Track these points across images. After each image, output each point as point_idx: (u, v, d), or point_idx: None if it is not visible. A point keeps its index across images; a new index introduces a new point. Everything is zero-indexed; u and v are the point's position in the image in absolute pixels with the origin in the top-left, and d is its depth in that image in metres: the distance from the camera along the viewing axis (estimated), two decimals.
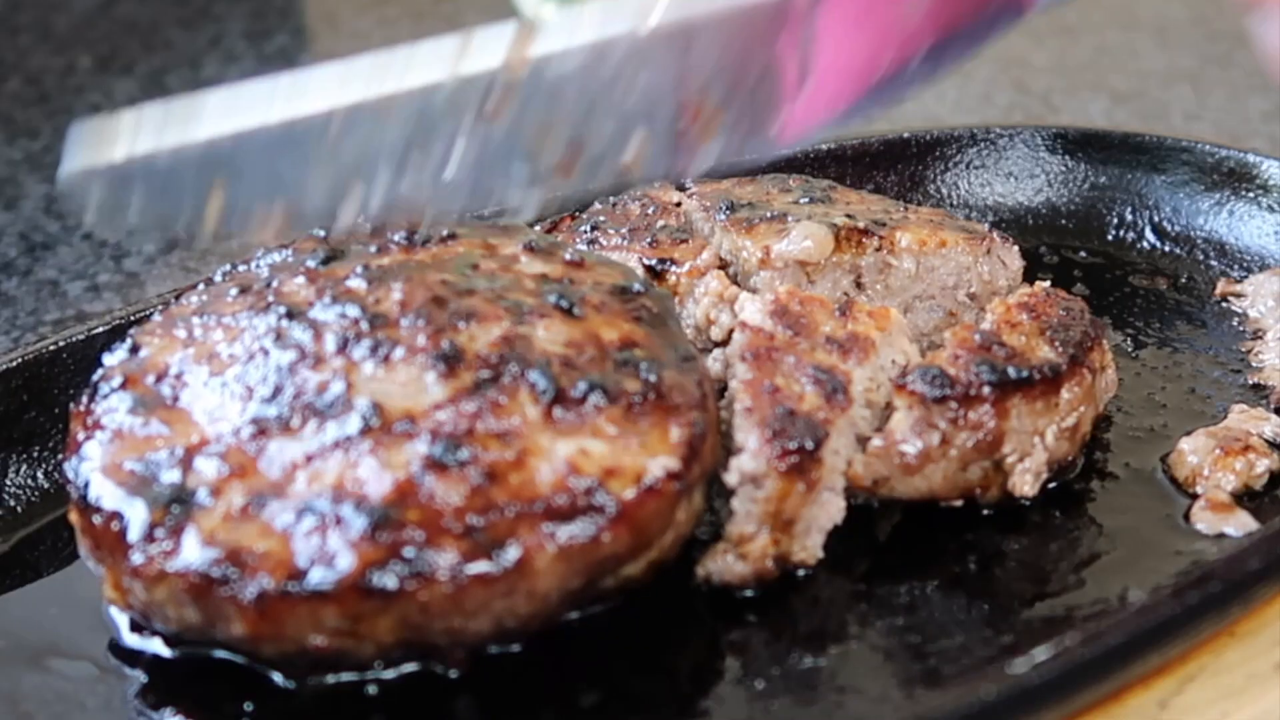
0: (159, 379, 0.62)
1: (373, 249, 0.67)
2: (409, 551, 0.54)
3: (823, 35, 0.58)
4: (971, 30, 0.61)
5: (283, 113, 0.55)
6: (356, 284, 0.63)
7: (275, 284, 0.65)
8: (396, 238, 0.67)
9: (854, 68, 0.59)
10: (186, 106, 0.54)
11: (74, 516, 0.60)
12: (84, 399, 0.62)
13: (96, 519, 0.58)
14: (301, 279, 0.65)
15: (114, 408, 0.61)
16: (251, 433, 0.59)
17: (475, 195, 0.57)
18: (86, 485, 0.59)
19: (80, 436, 0.61)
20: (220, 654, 0.58)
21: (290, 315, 0.63)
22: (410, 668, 0.57)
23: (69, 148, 0.53)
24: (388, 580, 0.54)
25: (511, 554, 0.55)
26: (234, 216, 0.56)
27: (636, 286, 0.66)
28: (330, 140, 0.55)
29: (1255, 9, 0.65)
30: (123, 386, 0.62)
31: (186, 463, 0.58)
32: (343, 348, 0.61)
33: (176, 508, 0.56)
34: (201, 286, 0.68)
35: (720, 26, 0.57)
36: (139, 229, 0.56)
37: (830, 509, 0.62)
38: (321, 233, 0.69)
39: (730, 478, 0.60)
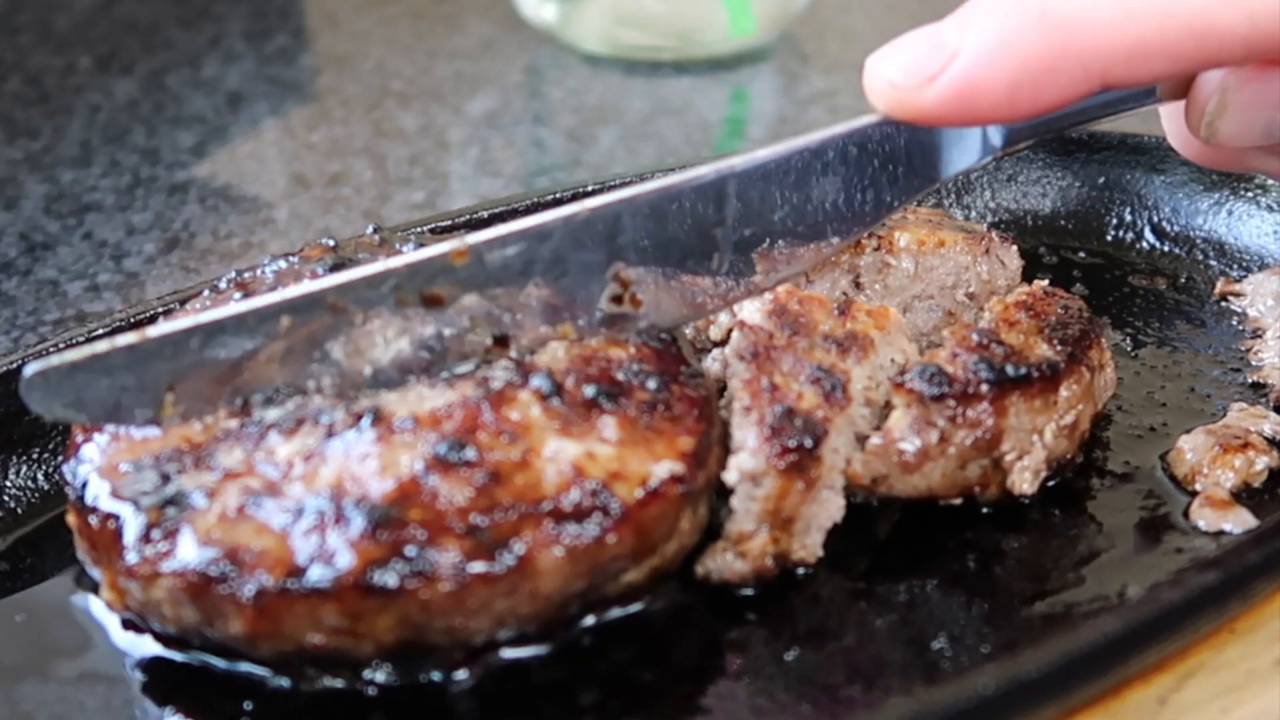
0: None
1: (380, 258, 0.67)
2: (411, 550, 0.54)
3: (741, 213, 0.63)
4: (882, 199, 0.65)
5: (230, 310, 0.58)
6: None
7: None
8: (404, 249, 0.67)
9: (773, 238, 0.64)
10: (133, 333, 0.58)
11: (71, 518, 0.60)
12: None
13: (93, 520, 0.58)
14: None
15: None
16: (248, 433, 0.59)
17: (424, 374, 0.61)
18: (84, 486, 0.59)
19: (79, 438, 0.61)
20: (219, 663, 0.58)
21: None
22: (410, 668, 0.57)
23: (25, 381, 0.56)
24: (389, 578, 0.54)
25: (514, 554, 0.55)
26: (190, 408, 0.59)
27: None
28: (279, 332, 0.59)
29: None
30: None
31: (183, 463, 0.58)
32: None
33: (173, 508, 0.57)
34: (206, 293, 0.68)
35: (646, 209, 0.62)
36: (101, 421, 0.59)
37: (829, 507, 0.62)
38: (330, 241, 0.69)
39: (729, 476, 0.61)
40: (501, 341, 0.61)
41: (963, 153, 0.65)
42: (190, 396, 0.59)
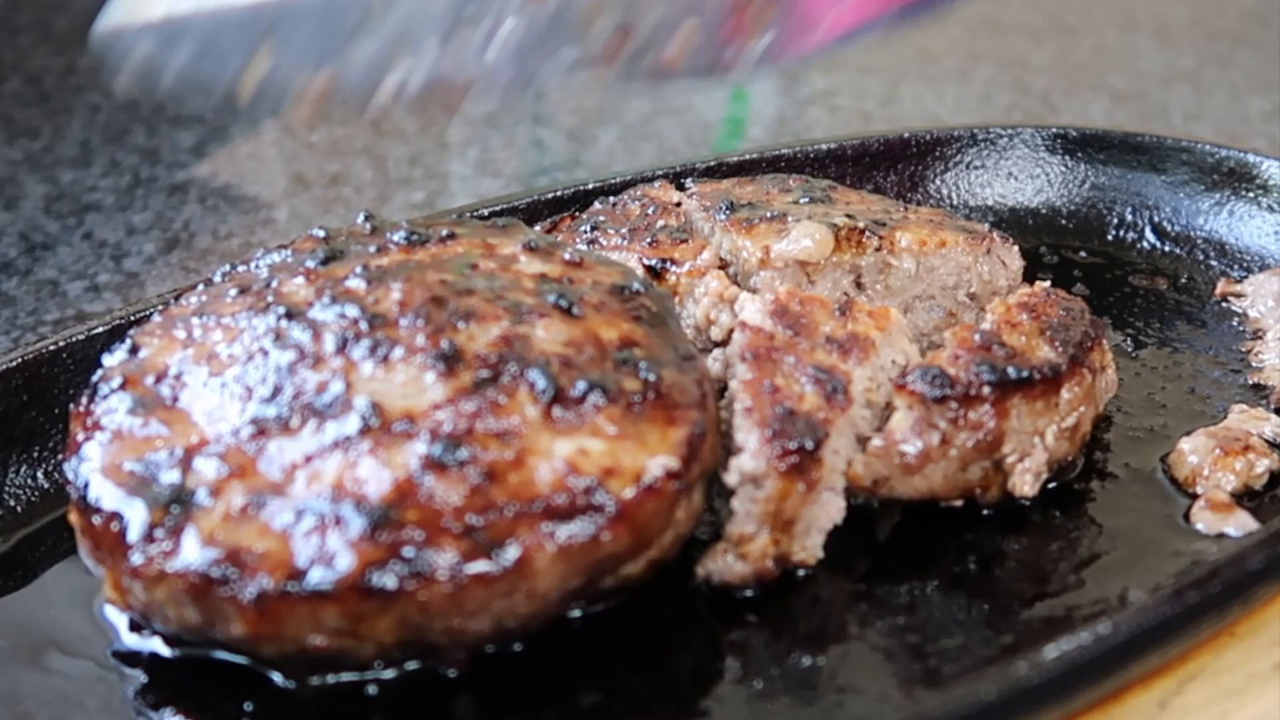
0: (158, 379, 0.62)
1: (372, 249, 0.67)
2: (409, 551, 0.54)
3: None
4: None
5: None
6: (356, 284, 0.63)
7: (274, 284, 0.65)
8: (396, 238, 0.67)
9: None
10: None
11: (74, 517, 0.60)
12: (84, 400, 0.62)
13: (96, 519, 0.58)
14: (301, 279, 0.65)
15: (113, 408, 0.61)
16: (251, 433, 0.59)
17: (519, 76, 0.56)
18: (86, 486, 0.59)
19: (80, 437, 0.61)
20: (220, 655, 0.58)
21: (289, 315, 0.63)
22: (410, 668, 0.57)
23: (106, 7, 0.51)
24: (387, 580, 0.54)
25: (511, 554, 0.55)
26: (274, 84, 0.54)
27: (636, 286, 0.66)
28: (376, 8, 0.54)
29: None
30: (122, 387, 0.62)
31: (186, 463, 0.58)
32: (342, 348, 0.61)
33: (176, 508, 0.56)
34: (201, 287, 0.68)
35: None
36: (174, 91, 0.54)
37: (830, 509, 0.62)
38: (321, 233, 0.69)
39: (730, 478, 0.60)
40: (622, 34, 0.56)
41: None
42: (281, 59, 0.53)
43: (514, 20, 0.55)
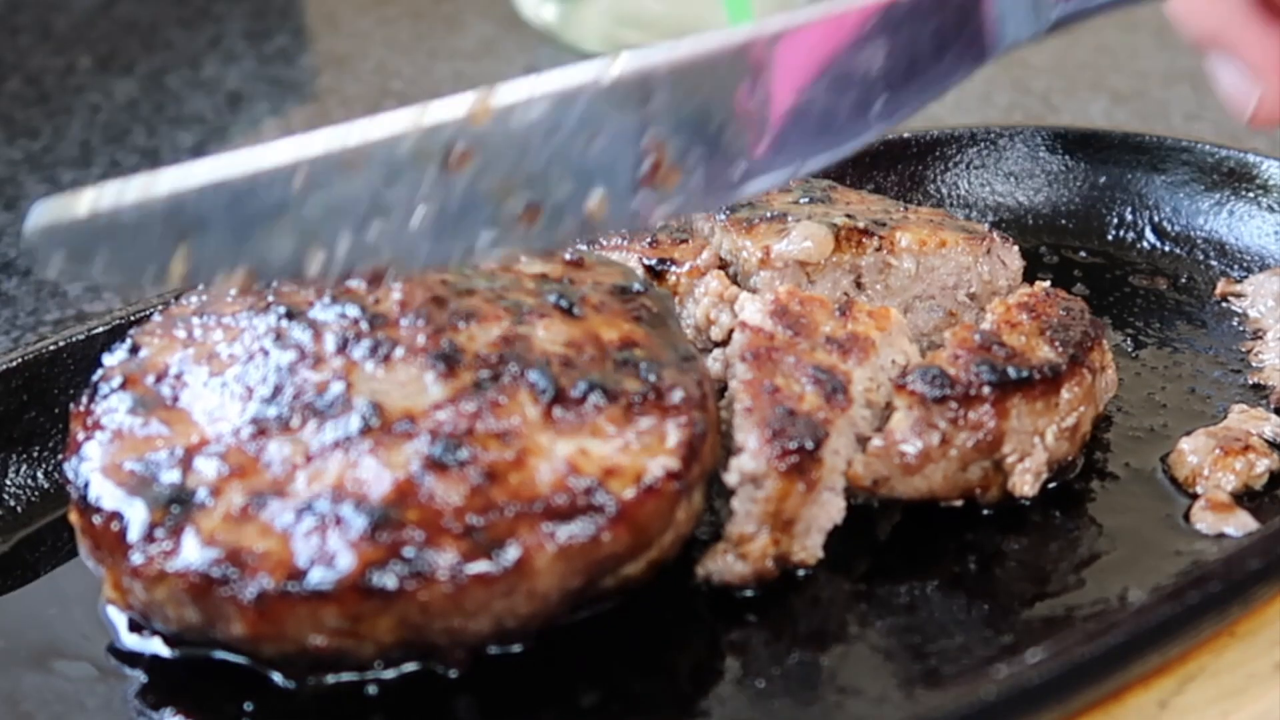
0: (159, 379, 0.62)
1: None
2: (409, 551, 0.54)
3: (780, 83, 0.59)
4: (931, 76, 0.61)
5: (247, 166, 0.55)
6: (356, 284, 0.63)
7: (275, 284, 0.65)
8: None
9: (812, 115, 0.60)
10: (149, 178, 0.55)
11: (74, 517, 0.60)
12: (84, 399, 0.62)
13: (96, 519, 0.58)
14: None
15: (114, 408, 0.61)
16: (251, 433, 0.59)
17: (438, 248, 0.57)
18: (86, 486, 0.59)
19: (80, 437, 0.61)
20: (220, 654, 0.58)
21: (290, 315, 0.63)
22: (410, 668, 0.57)
23: (31, 215, 0.54)
24: (387, 580, 0.54)
25: (511, 554, 0.55)
26: (199, 272, 0.56)
27: (636, 286, 0.66)
28: (295, 194, 0.56)
29: (1210, 51, 0.67)
30: (122, 387, 0.62)
31: (186, 463, 0.58)
32: (342, 347, 0.61)
33: (176, 508, 0.57)
34: (201, 287, 0.68)
35: (679, 74, 0.58)
36: (103, 284, 0.56)
37: (830, 509, 0.62)
38: None
39: (730, 478, 0.60)
40: (531, 211, 0.58)
41: (1016, 25, 0.62)
42: (201, 256, 0.55)
43: (425, 208, 0.57)
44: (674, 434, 0.59)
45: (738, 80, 0.59)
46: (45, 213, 0.54)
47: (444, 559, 0.54)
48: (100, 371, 0.64)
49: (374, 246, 0.56)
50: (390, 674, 0.57)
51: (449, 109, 0.56)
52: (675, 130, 0.58)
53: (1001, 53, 0.62)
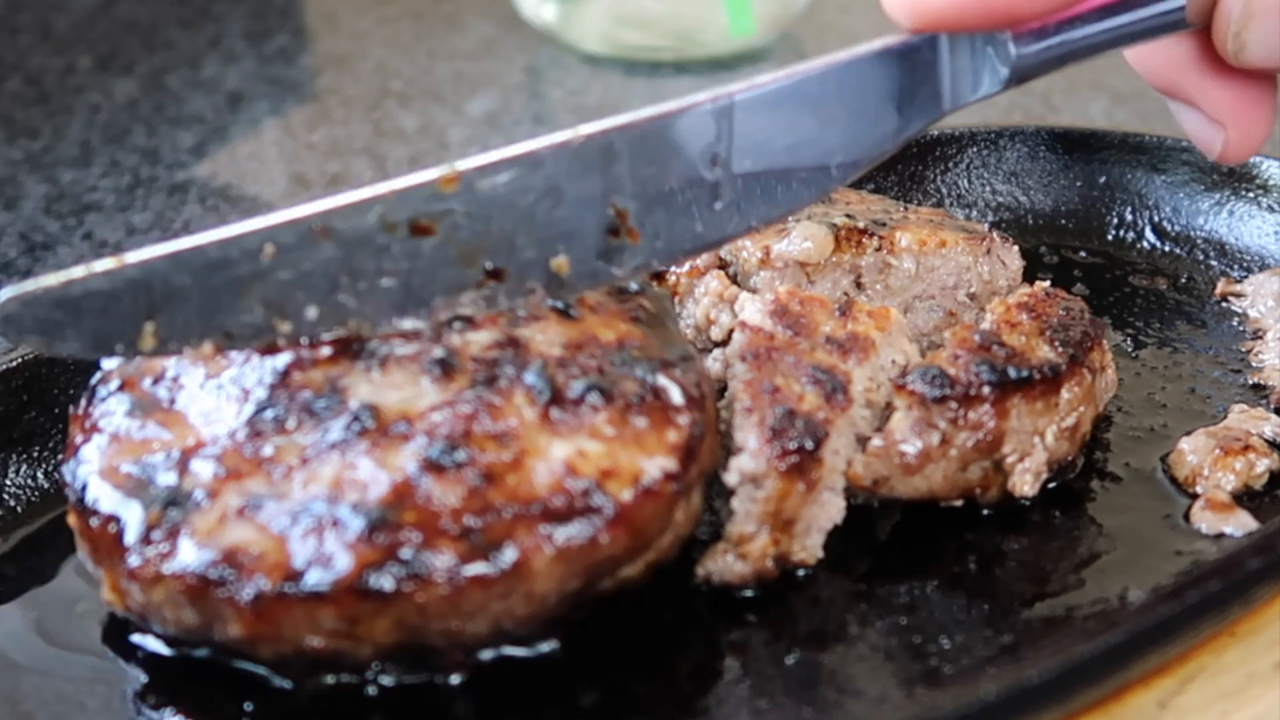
0: (156, 382, 0.62)
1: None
2: (406, 553, 0.54)
3: (740, 145, 0.61)
4: (888, 131, 0.63)
5: (215, 236, 0.57)
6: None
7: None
8: None
9: (773, 173, 0.62)
10: (116, 260, 0.57)
11: (72, 519, 0.60)
12: (82, 402, 0.62)
13: (94, 522, 0.58)
14: None
15: (111, 411, 0.61)
16: (248, 435, 0.59)
17: (406, 312, 0.60)
18: (84, 488, 0.59)
19: (78, 440, 0.61)
20: (219, 659, 0.58)
21: None
22: (409, 669, 0.57)
23: (9, 286, 0.56)
24: (385, 582, 0.54)
25: (509, 556, 0.55)
26: (168, 344, 0.58)
27: (634, 286, 0.66)
28: (263, 265, 0.57)
29: (1171, 98, 0.68)
30: (120, 390, 0.62)
31: (183, 465, 0.58)
32: (338, 351, 0.61)
33: (173, 510, 0.56)
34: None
35: (641, 140, 0.60)
36: (77, 354, 0.59)
37: (830, 509, 0.62)
38: None
39: (730, 478, 0.60)
40: (495, 274, 0.60)
41: (970, 82, 0.63)
42: (171, 328, 0.58)
43: (393, 274, 0.59)
44: (672, 435, 0.59)
45: (698, 144, 0.61)
46: (13, 298, 0.55)
47: (441, 561, 0.54)
48: (98, 374, 0.64)
49: (342, 313, 0.59)
50: (389, 675, 0.57)
51: (417, 178, 0.59)
52: (637, 194, 0.60)
53: (957, 109, 0.64)
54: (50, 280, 0.55)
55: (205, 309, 0.58)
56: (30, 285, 0.55)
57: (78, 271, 0.56)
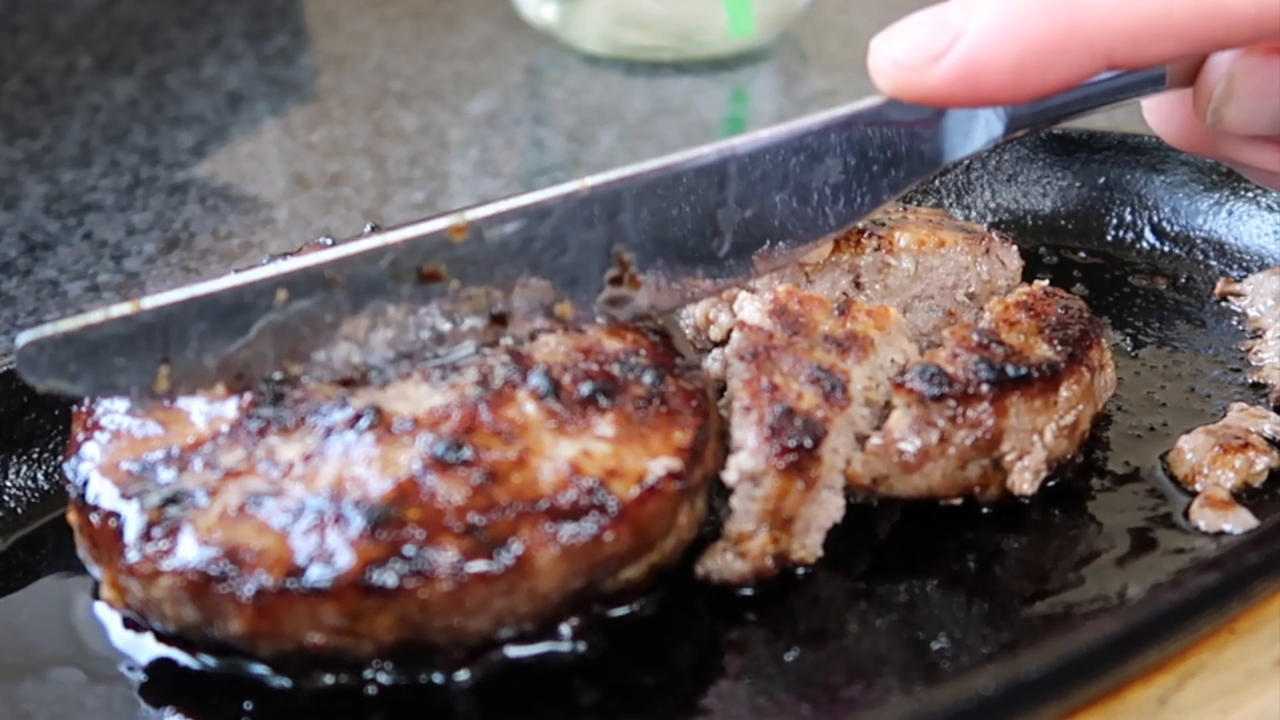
0: None
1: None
2: (409, 550, 0.54)
3: (742, 197, 0.63)
4: (887, 183, 0.65)
5: (229, 282, 0.59)
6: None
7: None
8: None
9: (774, 223, 0.65)
10: (129, 304, 0.58)
11: (72, 516, 0.60)
12: (85, 401, 0.62)
13: (94, 518, 0.58)
14: None
15: (112, 409, 0.61)
16: (249, 432, 0.59)
17: (415, 353, 0.61)
18: (84, 485, 0.59)
19: (80, 437, 0.61)
20: (219, 662, 0.58)
21: None
22: (409, 667, 0.57)
23: (18, 343, 0.57)
24: (387, 578, 0.54)
25: (512, 553, 0.55)
26: (180, 387, 0.59)
27: None
28: (275, 307, 0.59)
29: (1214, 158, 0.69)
30: None
31: (183, 462, 0.58)
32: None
33: (173, 507, 0.57)
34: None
35: (644, 191, 0.62)
36: (93, 395, 0.60)
37: (829, 507, 0.62)
38: (328, 240, 0.69)
39: (729, 476, 0.60)
40: (500, 319, 0.62)
41: (964, 139, 0.65)
42: (184, 371, 0.59)
43: (398, 326, 0.61)
44: (677, 436, 0.59)
45: (700, 196, 0.63)
46: (32, 342, 0.56)
47: (445, 557, 0.54)
48: None
49: (350, 356, 0.60)
50: (389, 674, 0.57)
51: (427, 226, 0.60)
52: (640, 243, 0.63)
53: (953, 164, 0.67)
54: (68, 324, 0.57)
55: (218, 352, 0.59)
56: (49, 329, 0.56)
57: (95, 316, 0.57)
